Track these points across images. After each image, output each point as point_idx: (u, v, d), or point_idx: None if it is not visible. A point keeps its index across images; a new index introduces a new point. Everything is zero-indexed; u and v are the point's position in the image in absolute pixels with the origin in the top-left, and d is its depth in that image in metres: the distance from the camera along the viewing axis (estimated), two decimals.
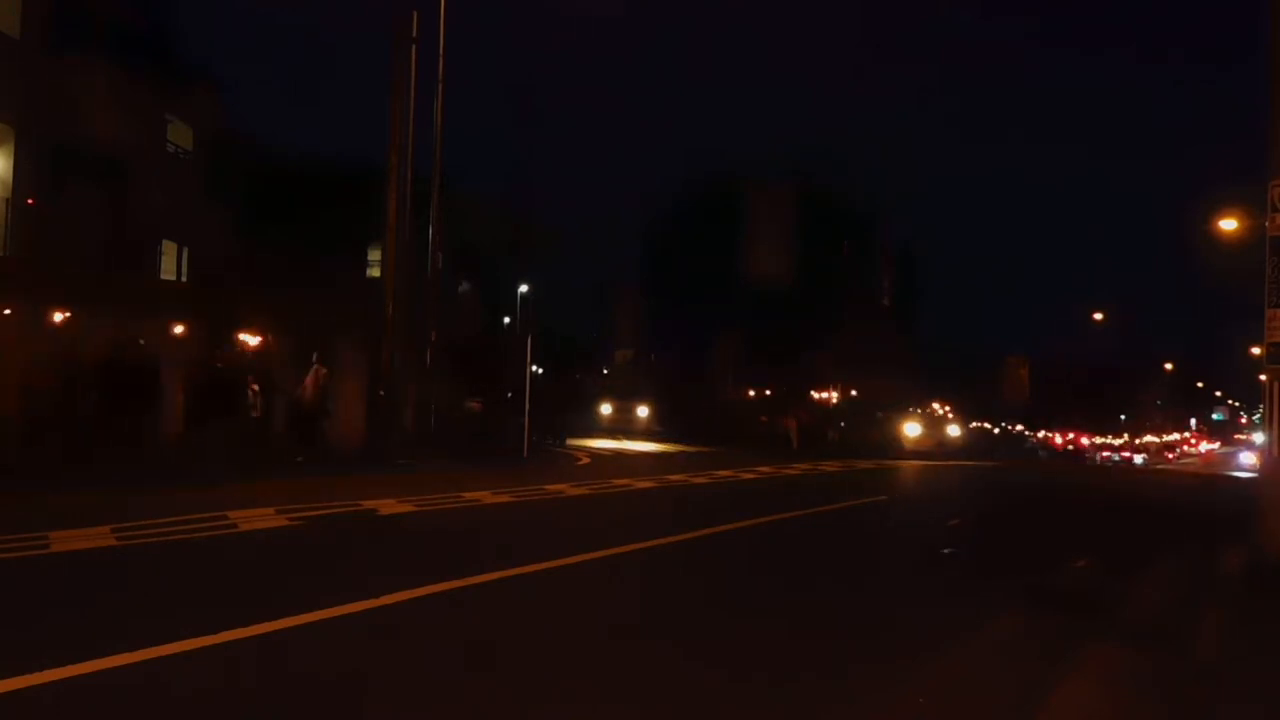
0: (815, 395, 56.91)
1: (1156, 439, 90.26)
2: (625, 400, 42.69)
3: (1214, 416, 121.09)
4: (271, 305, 24.19)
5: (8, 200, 20.26)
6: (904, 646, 6.23)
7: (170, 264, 27.10)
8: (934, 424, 45.74)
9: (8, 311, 18.64)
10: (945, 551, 10.88)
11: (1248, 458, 53.43)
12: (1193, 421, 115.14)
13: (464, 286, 36.18)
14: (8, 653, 5.14)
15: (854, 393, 59.14)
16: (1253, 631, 6.98)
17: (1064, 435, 72.78)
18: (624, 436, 37.23)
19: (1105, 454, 69.91)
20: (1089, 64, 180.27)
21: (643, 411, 42.16)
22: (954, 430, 47.07)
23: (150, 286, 24.43)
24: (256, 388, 19.36)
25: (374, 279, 26.42)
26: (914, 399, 66.39)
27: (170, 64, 25.25)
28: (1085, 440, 72.83)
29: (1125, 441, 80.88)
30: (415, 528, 11.04)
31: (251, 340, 21.21)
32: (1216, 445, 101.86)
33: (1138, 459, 69.68)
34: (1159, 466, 61.67)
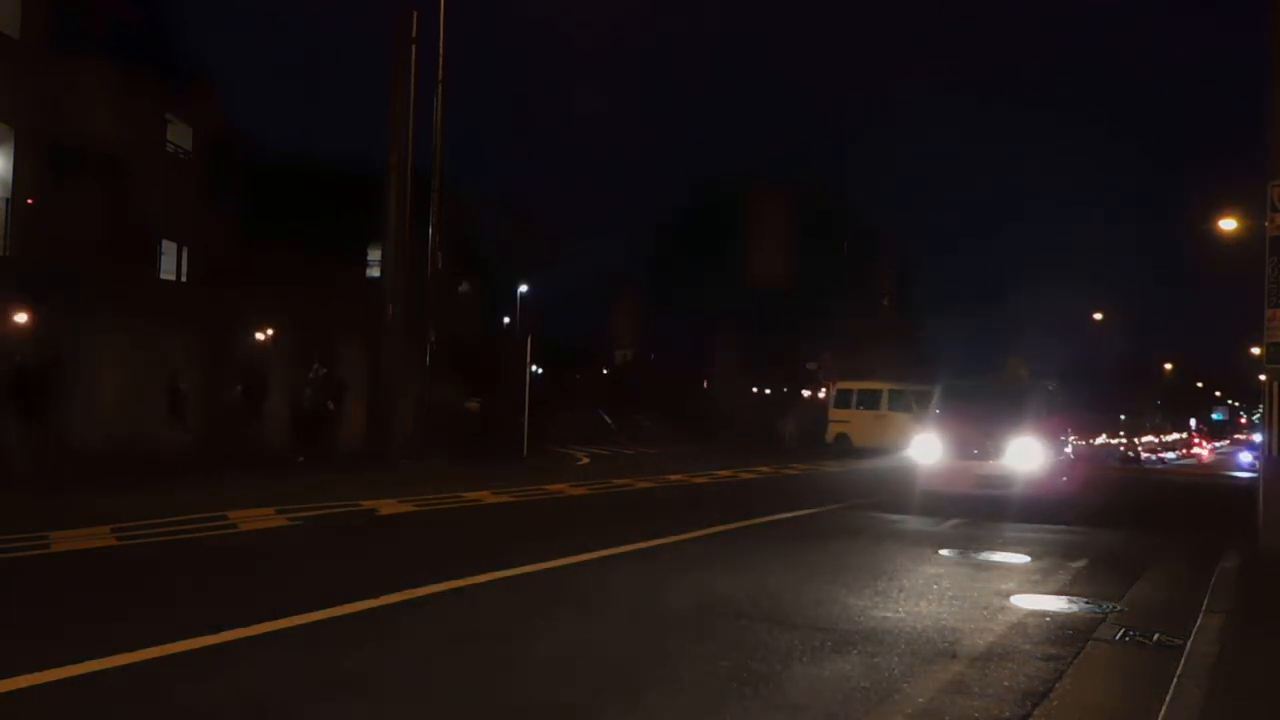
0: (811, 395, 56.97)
1: (1156, 439, 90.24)
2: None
3: (1214, 416, 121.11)
4: (271, 305, 24.21)
5: (8, 200, 20.26)
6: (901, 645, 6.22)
7: (170, 264, 27.13)
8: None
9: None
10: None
11: (1246, 457, 53.44)
12: (1193, 421, 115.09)
13: (464, 286, 36.21)
14: (8, 652, 5.15)
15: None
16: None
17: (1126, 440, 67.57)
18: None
19: (1160, 455, 68.03)
20: (1089, 64, 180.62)
21: None
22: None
23: (149, 286, 24.44)
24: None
25: (374, 279, 26.43)
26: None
27: (170, 64, 25.26)
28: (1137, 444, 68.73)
29: (1180, 439, 78.59)
30: (415, 528, 11.05)
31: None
32: (1225, 443, 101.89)
33: (1169, 456, 69.14)
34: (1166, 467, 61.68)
